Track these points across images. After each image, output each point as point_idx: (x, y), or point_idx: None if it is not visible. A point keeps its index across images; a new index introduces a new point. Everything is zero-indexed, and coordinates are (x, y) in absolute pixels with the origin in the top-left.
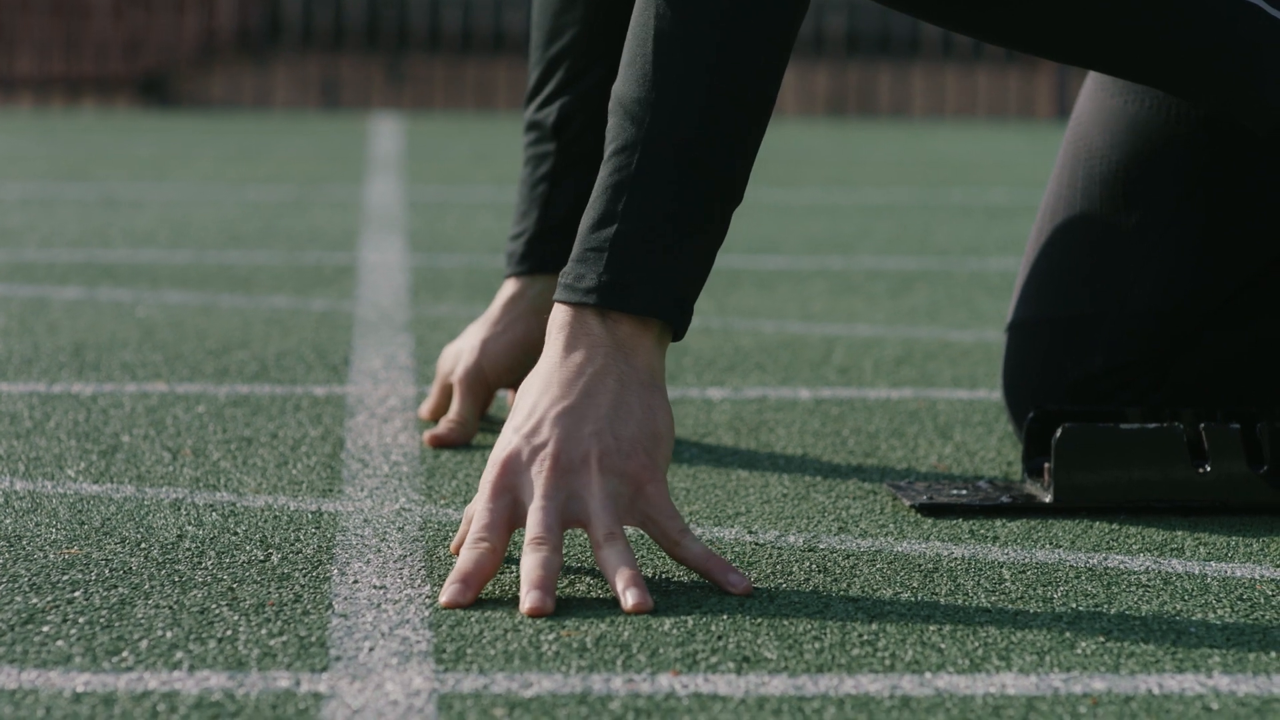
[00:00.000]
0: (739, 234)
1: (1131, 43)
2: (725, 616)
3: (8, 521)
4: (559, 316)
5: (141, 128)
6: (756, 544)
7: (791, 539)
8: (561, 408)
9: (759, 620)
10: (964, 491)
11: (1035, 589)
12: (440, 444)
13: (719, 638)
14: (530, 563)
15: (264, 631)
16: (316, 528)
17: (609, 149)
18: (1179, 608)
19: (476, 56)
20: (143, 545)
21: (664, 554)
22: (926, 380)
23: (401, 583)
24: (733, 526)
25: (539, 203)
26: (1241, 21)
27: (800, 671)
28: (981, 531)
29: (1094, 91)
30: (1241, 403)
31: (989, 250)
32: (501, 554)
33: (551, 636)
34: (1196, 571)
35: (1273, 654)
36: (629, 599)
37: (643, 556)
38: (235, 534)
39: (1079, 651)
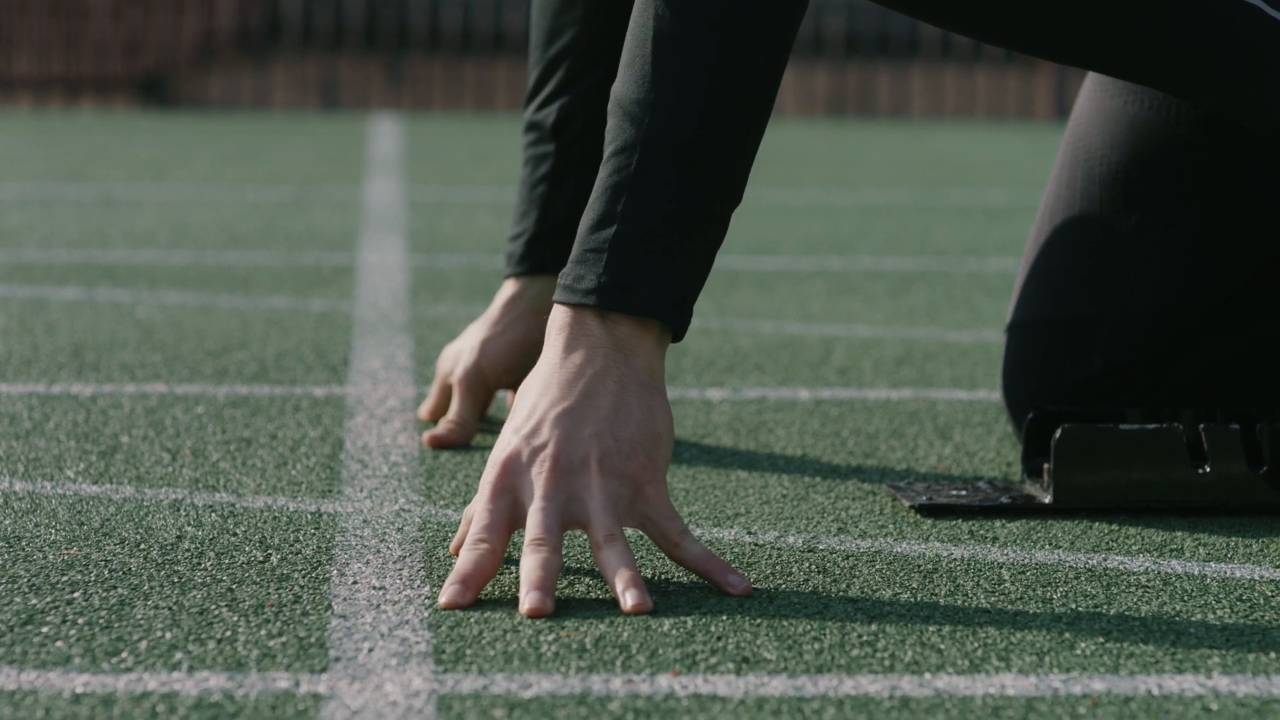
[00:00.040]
0: (738, 234)
1: (1131, 43)
2: (724, 617)
3: (7, 522)
4: (558, 317)
5: (140, 128)
6: (756, 545)
7: (791, 540)
8: (561, 409)
9: (758, 621)
10: (963, 492)
11: (1035, 590)
12: (439, 445)
13: (718, 638)
14: (530, 564)
15: (263, 632)
16: (316, 528)
17: (608, 150)
18: (1178, 608)
19: (476, 57)
20: (142, 546)
21: (663, 555)
22: (926, 381)
23: (401, 583)
24: (732, 527)
25: (538, 203)
26: (1241, 22)
27: (800, 672)
28: (981, 532)
29: (1093, 92)
30: (1241, 403)
31: (988, 251)
32: (501, 555)
33: (551, 637)
34: (1196, 572)
35: (1272, 655)
36: (628, 600)
37: (642, 557)
38: (234, 535)
39: (1078, 652)
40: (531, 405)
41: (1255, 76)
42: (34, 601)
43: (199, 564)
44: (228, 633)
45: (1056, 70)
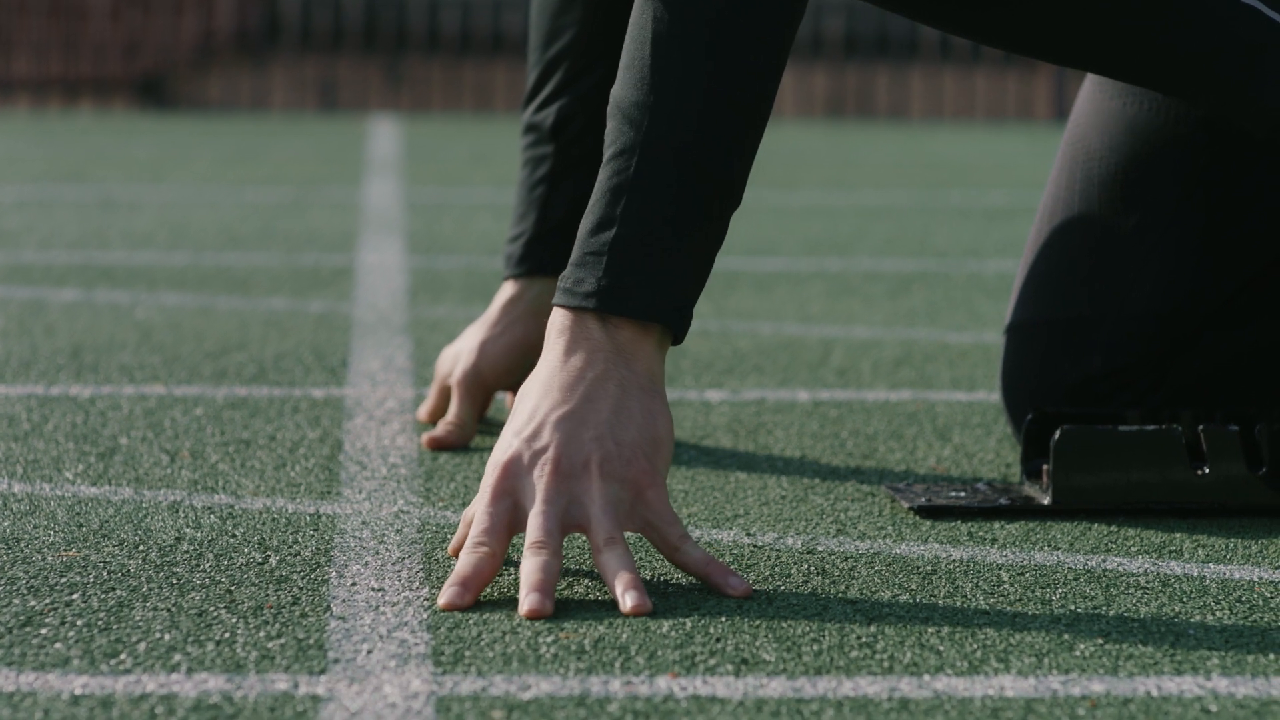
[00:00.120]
0: (737, 236)
1: (1130, 44)
2: (724, 619)
3: (6, 524)
4: (558, 320)
5: (139, 129)
6: (755, 546)
7: (790, 541)
8: (562, 412)
9: (757, 622)
10: (962, 493)
11: (1034, 591)
12: (438, 446)
13: (717, 640)
14: (530, 566)
15: (262, 634)
16: (315, 530)
17: (607, 153)
18: (1177, 609)
19: (475, 58)
20: (141, 547)
21: (663, 557)
22: (925, 382)
23: (400, 585)
24: (731, 529)
25: (537, 205)
26: (1240, 23)
27: (799, 673)
28: (980, 533)
29: (1092, 93)
30: (1240, 404)
31: (987, 252)
32: (500, 559)
33: (550, 639)
34: (1195, 573)
35: (1271, 656)
36: (628, 601)
37: (641, 559)
38: (233, 536)
39: (1078, 653)
40: (532, 408)
41: (1254, 77)
42: (33, 603)
43: (198, 565)
44: (226, 634)
45: (1056, 71)
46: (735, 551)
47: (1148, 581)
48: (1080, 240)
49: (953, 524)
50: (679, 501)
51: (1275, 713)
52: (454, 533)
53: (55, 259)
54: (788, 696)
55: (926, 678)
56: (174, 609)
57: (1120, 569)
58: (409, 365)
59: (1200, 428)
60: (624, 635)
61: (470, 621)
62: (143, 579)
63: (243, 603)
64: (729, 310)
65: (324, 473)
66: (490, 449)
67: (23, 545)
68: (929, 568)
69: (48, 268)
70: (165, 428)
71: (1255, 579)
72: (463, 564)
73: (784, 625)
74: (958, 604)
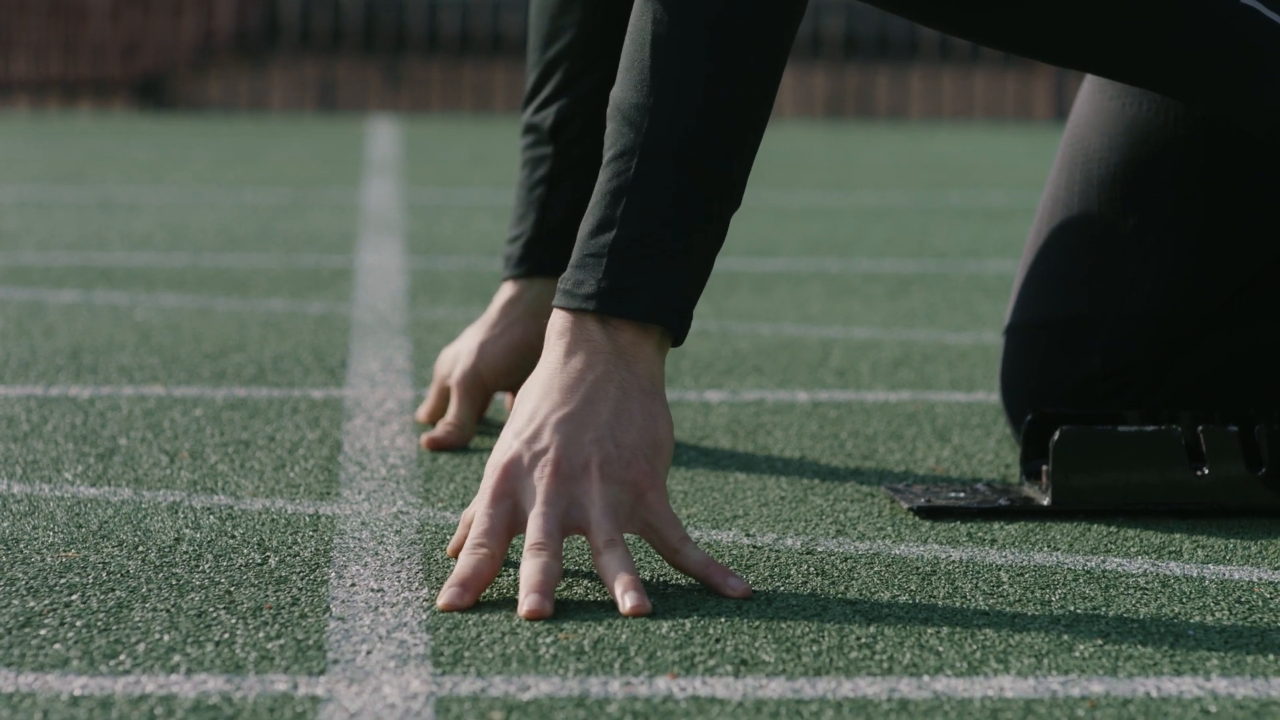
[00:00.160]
0: (736, 236)
1: (1129, 45)
2: (723, 619)
3: (5, 524)
4: (558, 322)
5: (138, 130)
6: (754, 547)
7: (789, 542)
8: (562, 414)
9: (757, 623)
10: (962, 494)
11: (1033, 592)
12: (438, 447)
13: (717, 640)
14: (530, 568)
15: (261, 634)
16: (314, 531)
17: (607, 155)
18: (1177, 610)
19: (474, 59)
20: (140, 548)
21: (662, 558)
22: (924, 383)
23: (399, 586)
24: (730, 529)
25: (536, 205)
26: (1240, 23)
27: (798, 674)
28: (979, 534)
29: (1091, 94)
30: (1239, 405)
31: (987, 252)
32: (500, 560)
33: (549, 640)
34: (1194, 574)
35: (1270, 656)
36: (627, 602)
37: (640, 560)
38: (233, 537)
39: (1077, 654)
40: (532, 410)
41: (1253, 78)
42: (32, 604)
43: (197, 566)
44: (226, 635)
45: (1055, 72)
46: (734, 552)
47: (1147, 582)
48: (1079, 241)
49: (952, 525)
50: (678, 502)
51: (1275, 713)
52: (453, 533)
53: (54, 260)
54: (787, 697)
55: (926, 678)
56: (173, 610)
57: (1120, 570)
58: (408, 366)
59: (1199, 428)
60: (623, 636)
61: (469, 622)
62: (142, 580)
63: (242, 603)
64: (728, 311)
65: (323, 473)
66: (489, 450)
67: (22, 546)
68: (928, 568)
69: (47, 269)
70: (164, 428)
71: (1254, 580)
72: (462, 565)
73: (783, 626)
74: (957, 605)
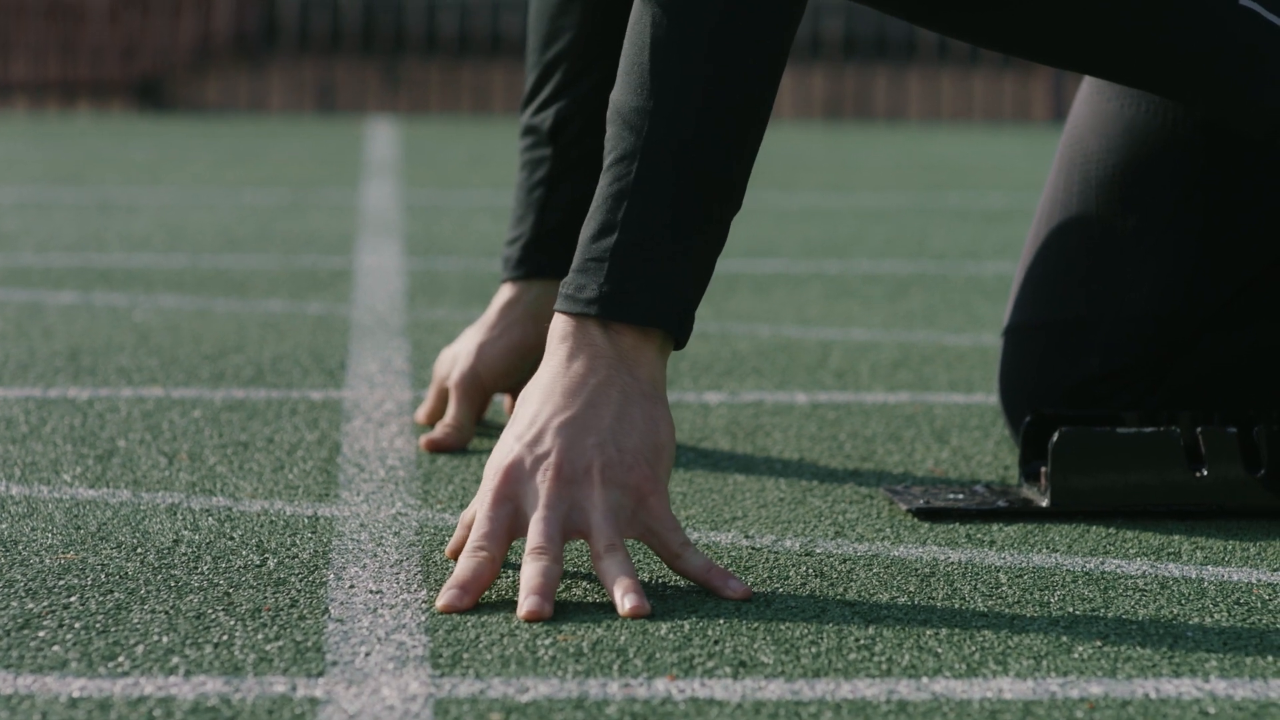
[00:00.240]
0: (735, 238)
1: (1129, 46)
2: (722, 621)
3: (4, 526)
4: (560, 326)
5: (137, 132)
6: (753, 548)
7: (788, 543)
8: (564, 418)
9: (755, 625)
10: (961, 496)
11: (1032, 593)
12: (436, 448)
13: (715, 642)
14: (530, 571)
15: (260, 636)
16: (313, 532)
17: (608, 159)
18: (1176, 612)
19: (473, 60)
20: (139, 550)
21: (662, 562)
22: (923, 384)
23: (398, 587)
24: (729, 531)
25: (535, 207)
26: (1239, 25)
27: (797, 676)
28: (978, 536)
29: (1090, 95)
30: (1238, 406)
31: (985, 254)
32: (500, 563)
33: (548, 641)
34: (1193, 575)
35: (1269, 658)
36: (626, 603)
37: (640, 562)
38: (231, 539)
39: (1076, 656)
40: (534, 413)
41: (1253, 79)
42: (30, 605)
43: (196, 568)
44: (224, 637)
45: (1053, 73)
46: (733, 554)
47: (1146, 583)
48: (1078, 242)
49: (951, 526)
50: (677, 504)
51: (1273, 714)
52: (452, 535)
53: (53, 261)
54: (786, 699)
55: (925, 680)
56: (172, 611)
57: (1118, 571)
58: (407, 367)
59: (1198, 430)
60: (622, 638)
61: (468, 624)
62: (141, 581)
63: (241, 605)
64: (727, 312)
65: (322, 475)
66: (488, 451)
67: (21, 547)
68: (927, 570)
69: (46, 270)
70: (163, 430)
71: (1253, 581)
72: (462, 567)
73: (782, 627)
74: (956, 606)
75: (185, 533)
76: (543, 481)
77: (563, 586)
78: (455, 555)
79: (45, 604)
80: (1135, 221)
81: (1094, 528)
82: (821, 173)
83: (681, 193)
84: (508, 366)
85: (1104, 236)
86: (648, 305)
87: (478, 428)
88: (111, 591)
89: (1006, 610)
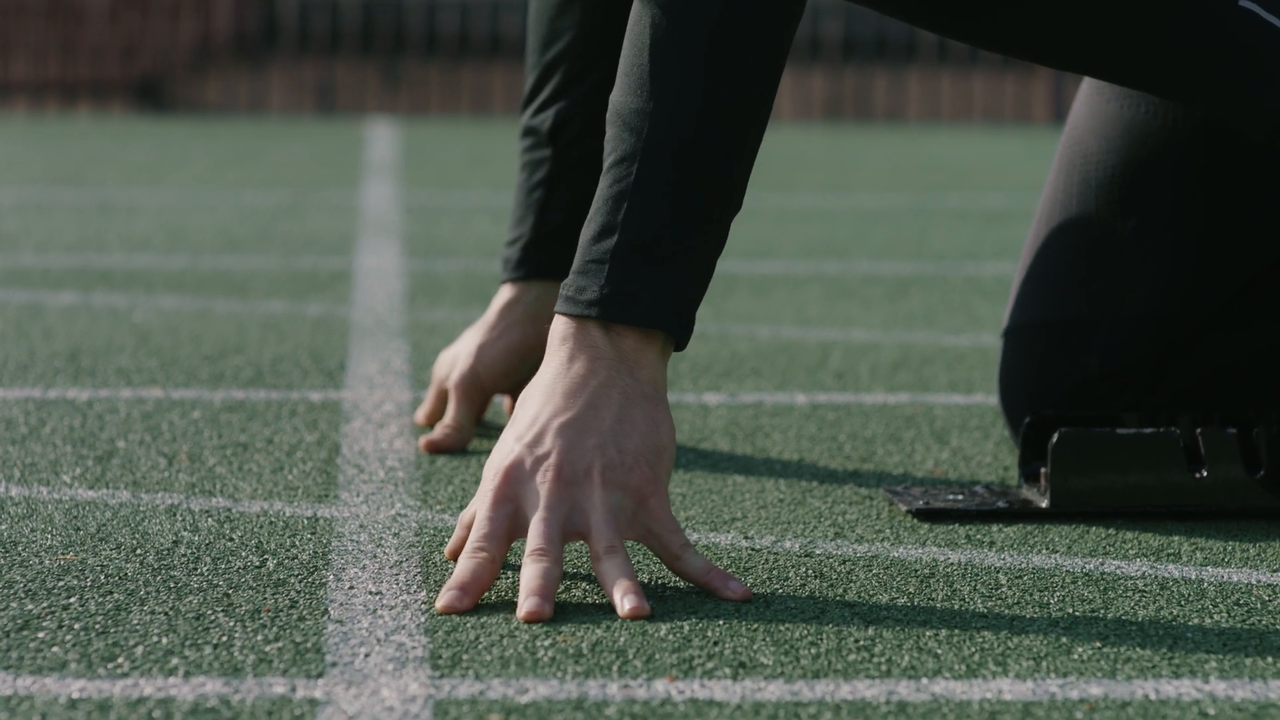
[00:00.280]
0: (735, 239)
1: (1128, 47)
2: (721, 622)
3: (3, 527)
4: (560, 328)
5: (137, 132)
6: (753, 549)
7: (788, 544)
8: (565, 419)
9: (755, 626)
10: (960, 496)
11: (1032, 594)
12: (436, 449)
13: (715, 643)
14: (530, 572)
15: (259, 637)
16: (312, 533)
17: (608, 160)
18: (1175, 613)
19: (473, 61)
20: (138, 551)
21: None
22: (923, 385)
23: (397, 588)
24: (729, 532)
25: (535, 208)
26: (1238, 25)
27: (796, 677)
28: (978, 536)
29: (1089, 96)
30: (1238, 407)
31: (985, 255)
32: (499, 564)
33: (548, 642)
34: (1193, 576)
35: (1269, 659)
36: (626, 604)
37: (639, 563)
38: (231, 540)
39: (1075, 657)
40: (534, 414)
41: (1252, 80)
42: (30, 607)
43: (195, 569)
44: (224, 638)
45: (1053, 74)
46: (733, 554)
47: (1145, 584)
48: (1078, 243)
49: (951, 527)
50: (677, 505)
51: (1273, 715)
52: (452, 535)
53: (53, 262)
54: (785, 700)
55: (924, 681)
56: (171, 612)
57: (1118, 572)
58: (406, 368)
59: (1198, 430)
60: (622, 639)
61: (468, 625)
62: (140, 582)
63: (240, 606)
64: (727, 313)
65: (321, 476)
66: (488, 452)
67: (20, 549)
68: (927, 571)
69: (45, 271)
70: (163, 431)
71: (1253, 582)
72: (462, 568)
73: (782, 628)
74: (956, 607)
75: (185, 534)
76: (543, 482)
77: (562, 588)
78: (455, 556)
79: (45, 605)
80: (1135, 222)
81: (1094, 529)
82: (821, 173)
83: (682, 194)
84: (507, 367)
85: (1104, 237)
86: (649, 307)
87: (477, 429)
88: (111, 593)
89: (1006, 611)
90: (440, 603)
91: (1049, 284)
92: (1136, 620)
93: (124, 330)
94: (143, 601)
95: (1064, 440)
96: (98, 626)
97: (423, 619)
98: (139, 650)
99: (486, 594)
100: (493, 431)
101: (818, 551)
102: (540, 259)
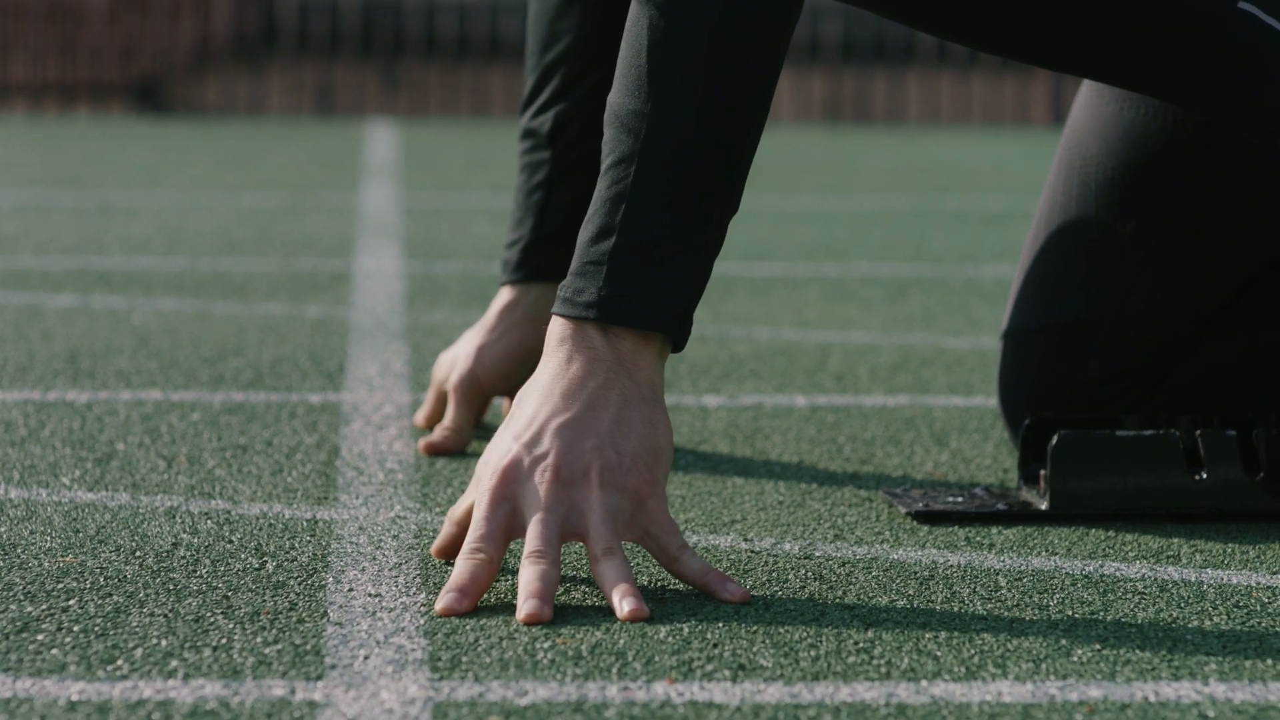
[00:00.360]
0: (734, 241)
1: (1128, 48)
2: (721, 624)
3: (2, 529)
4: (558, 329)
5: (136, 134)
6: (752, 551)
7: (787, 546)
8: (563, 420)
9: (754, 628)
10: (960, 499)
11: (1031, 596)
12: (435, 451)
13: (714, 645)
14: (529, 575)
15: (259, 639)
16: (311, 535)
17: (606, 162)
18: (1175, 615)
19: (472, 63)
20: (138, 553)
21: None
22: (922, 387)
23: (397, 590)
24: (728, 534)
25: (534, 210)
26: (1238, 27)
27: (796, 679)
28: (977, 539)
29: (1089, 98)
30: (1238, 409)
31: (984, 257)
32: (498, 565)
33: (547, 644)
34: (1193, 578)
35: (1269, 661)
36: (625, 607)
37: (638, 565)
38: (230, 542)
39: (1075, 659)
40: (532, 414)
41: (1252, 82)
42: (29, 609)
43: (194, 571)
44: (223, 640)
45: (1052, 76)
46: (732, 557)
47: (1145, 587)
48: (1077, 245)
49: (950, 529)
50: (676, 507)
51: (1273, 717)
52: (440, 532)
53: (52, 264)
54: (785, 702)
55: (924, 683)
56: (171, 615)
57: (1118, 574)
58: (406, 370)
59: (1198, 432)
60: (621, 641)
61: (467, 627)
62: (139, 585)
63: (239, 608)
64: (726, 315)
65: (321, 478)
66: None
67: (19, 551)
68: (926, 573)
69: (45, 273)
70: (162, 433)
71: (1253, 584)
72: (460, 570)
73: (781, 630)
74: (955, 609)
75: (184, 536)
76: (541, 483)
77: (562, 590)
78: (442, 554)
79: (44, 607)
80: (1134, 224)
81: (1093, 531)
82: (820, 175)
83: (680, 195)
84: (507, 369)
85: (1103, 239)
86: (647, 308)
87: (476, 431)
88: (110, 595)
89: (1005, 613)
90: (439, 605)
91: (1048, 286)
92: (1136, 622)
93: (123, 332)
94: (142, 604)
95: (1063, 442)
96: (97, 629)
97: (422, 621)
98: (138, 652)
99: (486, 596)
100: (492, 434)
101: (817, 553)
102: (540, 261)
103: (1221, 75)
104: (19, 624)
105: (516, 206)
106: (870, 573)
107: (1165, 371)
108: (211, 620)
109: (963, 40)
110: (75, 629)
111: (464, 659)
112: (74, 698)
